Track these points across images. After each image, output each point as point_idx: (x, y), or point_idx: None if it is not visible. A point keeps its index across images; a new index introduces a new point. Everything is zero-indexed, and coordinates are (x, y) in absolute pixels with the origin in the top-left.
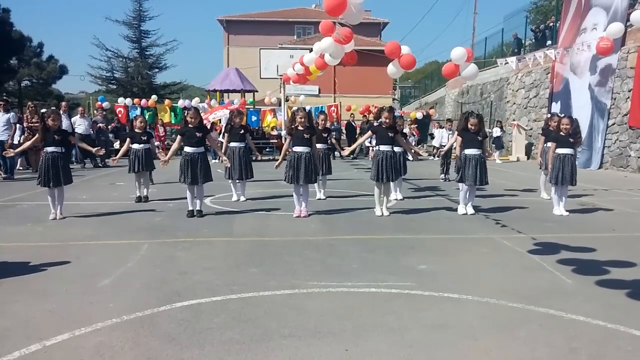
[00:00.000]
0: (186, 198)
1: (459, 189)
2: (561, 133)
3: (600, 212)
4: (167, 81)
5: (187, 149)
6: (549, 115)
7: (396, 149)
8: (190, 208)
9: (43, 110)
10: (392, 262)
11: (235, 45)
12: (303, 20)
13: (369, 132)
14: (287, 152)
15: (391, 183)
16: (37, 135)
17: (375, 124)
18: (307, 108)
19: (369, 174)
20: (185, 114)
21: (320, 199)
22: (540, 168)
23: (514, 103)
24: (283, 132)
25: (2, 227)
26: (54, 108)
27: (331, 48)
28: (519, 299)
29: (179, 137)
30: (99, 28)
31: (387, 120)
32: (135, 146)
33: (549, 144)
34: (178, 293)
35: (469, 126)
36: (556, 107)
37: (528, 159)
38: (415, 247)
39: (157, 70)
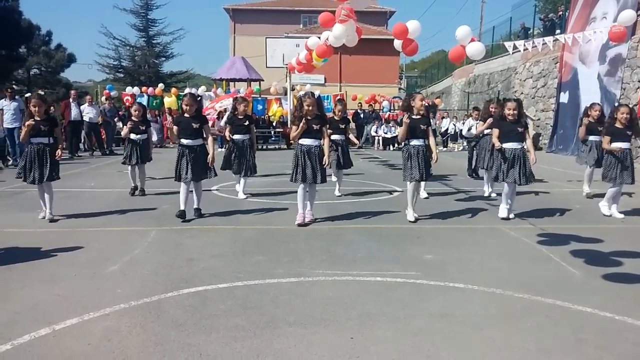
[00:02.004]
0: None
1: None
2: (617, 125)
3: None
4: (173, 70)
5: (183, 140)
6: (587, 105)
7: (415, 142)
8: (183, 208)
9: (27, 95)
10: (398, 252)
11: (242, 34)
12: (309, 9)
13: (403, 128)
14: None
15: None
16: (26, 125)
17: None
18: (316, 93)
19: (373, 164)
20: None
21: (338, 196)
22: (583, 164)
23: (522, 93)
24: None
25: (12, 213)
26: (39, 92)
27: (344, 34)
28: (526, 290)
29: (174, 127)
30: (106, 17)
31: (421, 110)
32: (133, 136)
33: (593, 137)
34: (185, 280)
35: (507, 113)
36: (564, 97)
37: (535, 149)
38: (421, 236)
39: (163, 58)
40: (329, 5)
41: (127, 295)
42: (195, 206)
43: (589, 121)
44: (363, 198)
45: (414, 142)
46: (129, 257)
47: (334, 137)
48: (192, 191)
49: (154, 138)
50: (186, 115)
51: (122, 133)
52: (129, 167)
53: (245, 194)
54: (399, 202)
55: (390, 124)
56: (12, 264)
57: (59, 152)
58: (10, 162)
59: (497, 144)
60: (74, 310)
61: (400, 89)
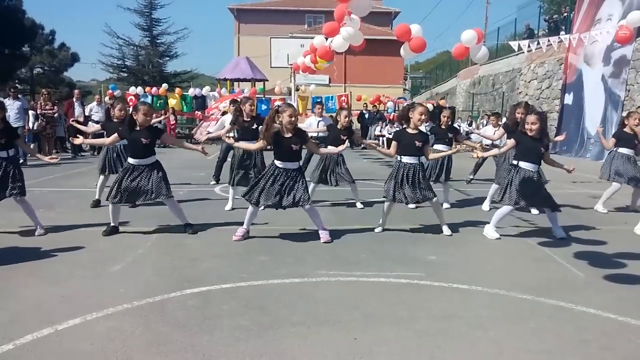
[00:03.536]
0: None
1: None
2: (626, 130)
3: (612, 206)
4: (177, 70)
5: (131, 160)
6: (624, 114)
7: (407, 159)
8: (114, 224)
9: None
10: (402, 253)
11: (246, 34)
12: (314, 9)
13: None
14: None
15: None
16: None
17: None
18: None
19: (377, 164)
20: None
21: (360, 208)
22: (608, 179)
23: (526, 94)
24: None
25: (14, 213)
26: None
27: (351, 36)
28: (529, 291)
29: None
30: (110, 16)
31: (420, 122)
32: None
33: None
34: (188, 280)
35: (527, 128)
36: (569, 99)
37: None
38: (424, 237)
39: (167, 58)
40: (333, 5)
41: (130, 295)
42: (184, 222)
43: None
44: (367, 199)
45: (405, 160)
46: (132, 257)
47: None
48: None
49: None
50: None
51: (93, 141)
52: (101, 178)
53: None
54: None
55: (395, 125)
56: (14, 264)
57: (46, 158)
58: None
59: (486, 154)
60: (76, 310)
61: (405, 89)
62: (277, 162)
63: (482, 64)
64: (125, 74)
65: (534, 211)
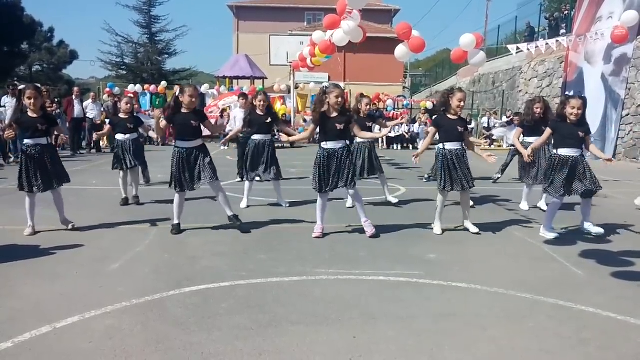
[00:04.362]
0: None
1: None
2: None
3: (612, 204)
4: (176, 67)
5: (179, 143)
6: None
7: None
8: (177, 221)
9: (20, 87)
10: (401, 251)
11: (245, 31)
12: (313, 7)
13: (432, 128)
14: (304, 141)
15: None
16: (11, 127)
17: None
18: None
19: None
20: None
21: (394, 203)
22: None
23: (527, 92)
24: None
25: (13, 211)
26: (36, 85)
27: (350, 31)
28: (528, 290)
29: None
30: (109, 13)
31: (459, 108)
32: (120, 137)
33: None
34: (187, 278)
35: (569, 112)
36: None
37: None
38: (424, 236)
39: (166, 56)
40: (333, 3)
41: (129, 293)
42: (230, 214)
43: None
44: (366, 197)
45: (449, 146)
46: (131, 255)
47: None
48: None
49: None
50: (184, 110)
51: (97, 134)
52: (120, 174)
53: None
54: (402, 201)
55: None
56: (13, 262)
57: (62, 137)
58: (12, 159)
59: (528, 152)
60: (75, 308)
61: (404, 87)
62: (324, 144)
63: None
64: (124, 72)
65: (524, 206)
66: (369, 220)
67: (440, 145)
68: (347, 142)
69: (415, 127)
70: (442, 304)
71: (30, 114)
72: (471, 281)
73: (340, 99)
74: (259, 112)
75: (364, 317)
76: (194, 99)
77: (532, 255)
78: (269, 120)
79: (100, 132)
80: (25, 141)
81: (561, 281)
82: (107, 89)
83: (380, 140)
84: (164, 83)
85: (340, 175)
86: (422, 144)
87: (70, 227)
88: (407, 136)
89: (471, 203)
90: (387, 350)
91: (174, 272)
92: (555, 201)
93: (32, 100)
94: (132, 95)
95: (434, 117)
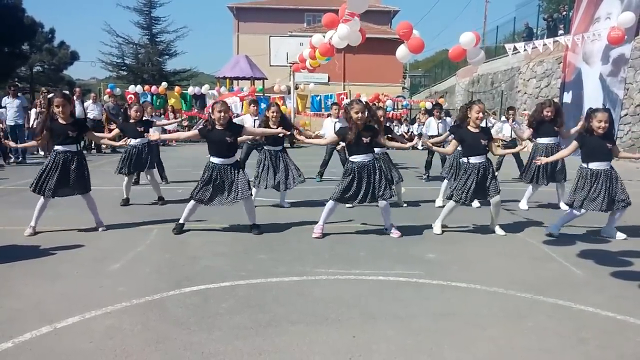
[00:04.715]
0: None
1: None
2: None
3: None
4: (177, 68)
5: (213, 159)
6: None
7: (475, 160)
8: (182, 221)
9: (50, 95)
10: (401, 251)
11: (245, 32)
12: (313, 8)
13: (453, 140)
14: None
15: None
16: (40, 134)
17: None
18: (363, 99)
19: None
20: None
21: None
22: None
23: (525, 93)
24: (321, 131)
25: (13, 211)
26: (64, 92)
27: (348, 34)
28: (528, 289)
29: (196, 131)
30: (109, 14)
31: (478, 120)
32: (132, 142)
33: None
34: (187, 278)
35: (596, 127)
36: (568, 97)
37: None
38: (424, 236)
39: (167, 57)
40: (332, 4)
41: (129, 293)
42: (252, 222)
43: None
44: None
45: (473, 160)
46: (131, 255)
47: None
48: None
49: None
50: (219, 127)
51: (105, 141)
52: (125, 178)
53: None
54: (402, 201)
55: (394, 124)
56: (14, 262)
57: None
58: (12, 160)
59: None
60: (75, 308)
61: (403, 88)
62: (352, 158)
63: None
64: (125, 73)
65: (523, 205)
66: (394, 227)
67: (465, 159)
68: (373, 155)
69: (415, 128)
70: (441, 303)
71: (60, 121)
72: (470, 281)
73: (360, 114)
74: (272, 124)
75: (364, 316)
76: (224, 114)
77: (532, 255)
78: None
79: (109, 139)
80: (56, 147)
81: (560, 281)
82: (108, 90)
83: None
84: (164, 84)
85: (371, 191)
86: (446, 148)
87: (100, 230)
88: (406, 137)
89: (477, 204)
90: (387, 349)
91: (175, 272)
92: (577, 213)
93: (61, 108)
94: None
95: (452, 128)
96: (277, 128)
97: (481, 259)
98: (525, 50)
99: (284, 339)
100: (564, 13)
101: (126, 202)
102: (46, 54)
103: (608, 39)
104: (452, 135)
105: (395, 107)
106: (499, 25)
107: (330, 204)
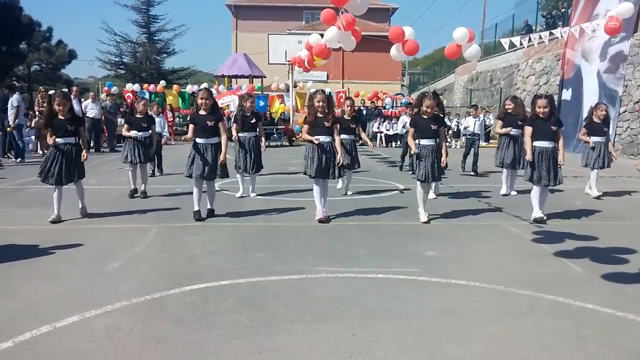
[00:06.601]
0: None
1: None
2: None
3: (611, 201)
4: (175, 66)
5: (199, 139)
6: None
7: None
8: (197, 208)
9: (51, 92)
10: (400, 249)
11: (244, 30)
12: (311, 6)
13: (411, 129)
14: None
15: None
16: (45, 128)
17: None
18: (327, 91)
19: (374, 161)
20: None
21: (347, 193)
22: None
23: (524, 90)
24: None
25: (12, 210)
26: (64, 90)
27: (337, 38)
28: (527, 286)
29: (191, 126)
30: (107, 13)
31: (429, 110)
32: (135, 134)
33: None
34: (186, 277)
35: (537, 111)
36: (567, 94)
37: None
38: (423, 233)
39: (165, 55)
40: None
41: (129, 292)
42: (208, 207)
43: (592, 121)
44: (365, 195)
45: (424, 142)
46: (130, 254)
47: (343, 136)
48: (205, 191)
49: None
50: (201, 112)
51: (123, 132)
52: (130, 168)
53: (255, 192)
54: (402, 199)
55: (393, 121)
56: (13, 261)
57: (84, 154)
58: (11, 159)
59: (529, 147)
60: (75, 308)
61: (402, 85)
62: (315, 137)
63: (480, 60)
64: (123, 71)
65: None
66: (325, 208)
67: (417, 141)
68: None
69: (453, 125)
70: (441, 301)
71: (60, 116)
72: (470, 278)
73: (321, 103)
74: (246, 113)
75: (363, 314)
76: (207, 101)
77: (531, 252)
78: (254, 120)
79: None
80: (57, 140)
81: (560, 278)
82: (106, 88)
83: (378, 138)
84: (162, 82)
85: (332, 167)
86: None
87: (83, 217)
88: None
89: (432, 195)
90: (387, 347)
91: (174, 270)
92: (537, 188)
93: (61, 107)
94: (129, 96)
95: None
96: (249, 116)
97: (480, 256)
98: (521, 44)
99: (283, 338)
100: (563, 10)
101: (134, 193)
102: (44, 52)
103: (605, 29)
104: (408, 123)
105: (394, 104)
106: (498, 23)
107: (315, 187)
